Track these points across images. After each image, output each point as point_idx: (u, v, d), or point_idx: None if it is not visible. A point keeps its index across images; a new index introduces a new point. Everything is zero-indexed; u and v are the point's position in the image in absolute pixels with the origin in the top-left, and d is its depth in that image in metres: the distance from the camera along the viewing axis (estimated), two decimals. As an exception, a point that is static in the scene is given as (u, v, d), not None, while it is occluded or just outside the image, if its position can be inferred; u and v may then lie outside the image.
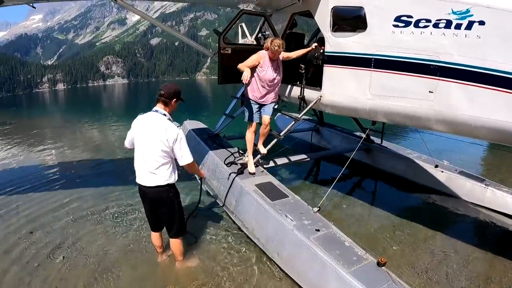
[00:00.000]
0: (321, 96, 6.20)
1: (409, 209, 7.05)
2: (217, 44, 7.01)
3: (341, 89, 5.92)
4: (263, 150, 6.60)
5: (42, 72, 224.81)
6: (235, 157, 7.13)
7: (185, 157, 4.36)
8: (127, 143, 4.63)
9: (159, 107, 4.37)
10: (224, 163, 6.92)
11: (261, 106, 6.34)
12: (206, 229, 5.97)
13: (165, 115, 4.33)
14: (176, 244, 4.88)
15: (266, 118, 6.37)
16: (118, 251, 5.43)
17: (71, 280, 4.78)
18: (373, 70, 5.31)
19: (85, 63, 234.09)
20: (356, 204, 7.09)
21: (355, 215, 6.65)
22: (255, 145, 6.73)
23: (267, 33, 7.74)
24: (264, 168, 6.84)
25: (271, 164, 7.27)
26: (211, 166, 7.30)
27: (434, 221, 6.39)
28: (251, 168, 6.47)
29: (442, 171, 7.63)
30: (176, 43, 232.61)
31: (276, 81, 6.15)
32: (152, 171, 4.33)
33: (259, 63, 5.95)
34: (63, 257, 5.29)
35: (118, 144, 12.77)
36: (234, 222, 6.13)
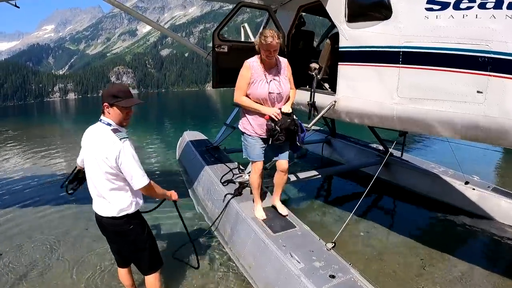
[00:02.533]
0: (335, 102, 5.11)
1: (437, 236, 5.84)
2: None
3: (360, 92, 4.79)
4: (283, 211, 4.91)
5: (53, 82, 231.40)
6: (233, 174, 6.26)
7: (136, 179, 3.19)
8: (78, 161, 3.73)
9: (103, 115, 3.29)
10: (220, 182, 6.02)
11: (266, 140, 4.59)
12: (194, 263, 4.89)
13: (109, 124, 3.23)
14: (151, 282, 3.79)
15: (282, 163, 4.72)
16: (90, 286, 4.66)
17: None
18: (401, 67, 4.17)
19: (96, 73, 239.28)
20: (375, 231, 5.89)
21: (375, 247, 5.43)
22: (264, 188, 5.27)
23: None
24: (267, 187, 5.78)
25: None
26: (206, 183, 6.45)
27: (468, 251, 5.31)
28: (258, 214, 4.87)
29: (474, 189, 6.43)
30: (186, 54, 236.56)
31: (277, 96, 4.40)
32: (102, 198, 3.32)
33: (249, 77, 4.36)
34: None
35: None
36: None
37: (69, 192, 3.90)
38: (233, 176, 6.16)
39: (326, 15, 5.56)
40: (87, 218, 6.58)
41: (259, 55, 4.38)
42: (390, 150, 6.21)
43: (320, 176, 6.77)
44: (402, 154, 7.84)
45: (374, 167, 7.35)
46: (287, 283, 3.73)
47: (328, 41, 5.55)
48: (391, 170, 7.78)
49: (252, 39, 6.91)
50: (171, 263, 4.82)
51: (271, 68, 4.45)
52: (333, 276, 3.57)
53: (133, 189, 3.31)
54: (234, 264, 4.84)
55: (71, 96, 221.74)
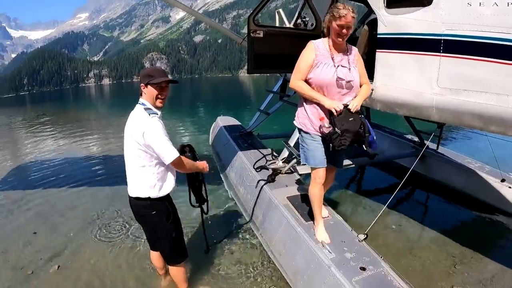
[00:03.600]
0: (372, 90, 4.90)
1: (470, 233, 5.59)
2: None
3: (398, 80, 4.59)
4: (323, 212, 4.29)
5: (88, 68, 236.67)
6: (267, 160, 6.17)
7: (166, 153, 3.21)
8: None
9: (140, 97, 3.44)
10: (253, 167, 5.96)
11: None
12: (226, 251, 4.92)
13: (143, 104, 3.36)
14: (172, 271, 3.89)
15: (331, 171, 4.22)
16: (119, 266, 4.79)
17: None
18: (442, 56, 3.96)
19: (130, 59, 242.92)
20: (407, 225, 5.72)
21: (407, 241, 5.29)
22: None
23: (307, 18, 6.69)
24: (300, 175, 5.72)
25: (308, 170, 5.97)
26: (239, 169, 6.40)
27: (501, 252, 5.06)
28: (320, 236, 4.03)
29: (510, 187, 6.15)
30: (219, 40, 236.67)
31: (346, 84, 3.66)
32: (132, 177, 3.44)
33: (313, 60, 3.67)
34: (58, 266, 4.80)
35: None
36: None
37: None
38: (266, 162, 6.10)
39: (363, 0, 5.41)
40: (119, 199, 6.74)
41: (327, 38, 3.77)
42: (427, 142, 6.01)
43: (353, 165, 6.65)
44: (437, 147, 7.57)
45: (408, 158, 7.17)
46: (316, 273, 3.68)
47: (365, 27, 5.38)
48: (426, 163, 7.54)
49: (287, 24, 6.80)
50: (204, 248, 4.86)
51: (340, 52, 3.76)
52: (363, 269, 3.50)
53: (160, 173, 3.39)
54: (264, 250, 4.83)
55: (106, 81, 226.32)
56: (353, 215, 6.06)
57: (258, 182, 5.53)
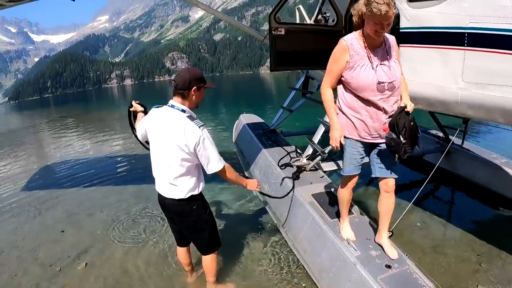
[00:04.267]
0: (395, 85, 4.89)
1: (496, 232, 5.39)
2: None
3: (421, 75, 4.50)
4: (392, 252, 3.66)
5: (110, 69, 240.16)
6: (291, 158, 6.16)
7: (213, 164, 3.34)
8: (138, 134, 3.78)
9: (176, 101, 3.35)
10: (278, 165, 5.95)
11: (370, 147, 3.59)
12: (251, 247, 4.95)
13: (184, 111, 3.32)
14: (207, 261, 3.96)
15: (389, 182, 3.68)
16: (145, 263, 4.88)
17: None
18: (466, 49, 3.86)
19: (151, 59, 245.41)
20: (431, 222, 5.62)
21: (431, 238, 5.18)
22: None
23: (328, 14, 6.65)
24: (324, 172, 5.73)
25: (332, 167, 6.06)
26: (263, 166, 6.40)
27: None
28: (346, 233, 3.99)
29: (536, 184, 5.94)
30: (239, 38, 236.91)
31: (388, 86, 3.21)
32: (171, 182, 3.43)
33: (347, 61, 3.25)
34: (86, 264, 4.93)
35: None
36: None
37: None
38: (290, 160, 6.08)
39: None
40: (145, 198, 6.91)
41: (360, 31, 3.25)
42: (453, 138, 5.91)
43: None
44: (463, 142, 7.37)
45: (432, 154, 7.07)
46: (342, 270, 3.67)
47: (387, 22, 5.34)
48: (451, 158, 7.34)
49: (308, 21, 6.77)
50: (230, 245, 4.86)
51: (377, 48, 3.26)
52: (389, 266, 3.48)
53: (200, 173, 3.52)
54: (288, 248, 4.83)
55: (128, 82, 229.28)
56: (376, 212, 5.98)
57: (283, 179, 5.52)
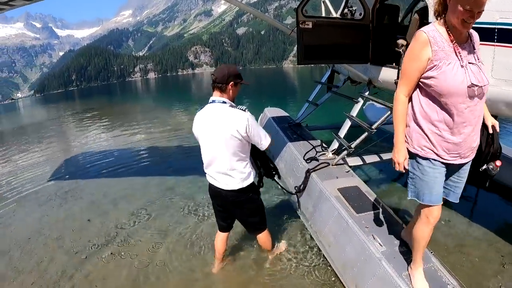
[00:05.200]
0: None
1: None
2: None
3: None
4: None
5: (134, 63, 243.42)
6: (316, 152, 6.13)
7: (265, 140, 3.72)
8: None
9: (215, 95, 3.66)
10: (303, 158, 5.93)
11: (447, 168, 2.89)
12: (275, 240, 4.84)
13: (225, 102, 3.61)
14: (262, 238, 4.33)
15: (436, 209, 3.06)
16: (170, 253, 4.93)
17: (113, 280, 4.46)
18: (496, 45, 3.80)
19: (175, 53, 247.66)
20: (456, 221, 5.46)
21: (455, 237, 5.04)
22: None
23: (354, 8, 6.61)
24: (350, 167, 5.70)
25: (358, 162, 6.02)
26: (289, 160, 6.38)
27: None
28: (419, 285, 3.19)
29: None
30: (262, 32, 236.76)
31: (478, 91, 2.56)
32: (226, 173, 3.68)
33: (428, 59, 2.56)
34: (111, 252, 5.00)
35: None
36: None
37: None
38: (316, 154, 6.05)
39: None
40: (170, 189, 7.02)
41: (440, 21, 2.60)
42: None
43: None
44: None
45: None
46: (366, 265, 3.64)
47: (416, 16, 5.26)
48: (474, 156, 7.19)
49: (334, 14, 6.71)
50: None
51: (463, 43, 2.61)
52: (414, 263, 3.44)
53: (249, 161, 3.80)
54: (313, 241, 4.82)
55: (151, 75, 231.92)
56: (400, 208, 5.90)
57: (308, 173, 5.51)
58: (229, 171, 3.64)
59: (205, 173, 3.86)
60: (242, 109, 3.54)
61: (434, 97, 2.62)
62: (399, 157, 2.82)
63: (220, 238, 4.32)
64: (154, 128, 14.96)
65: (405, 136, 2.86)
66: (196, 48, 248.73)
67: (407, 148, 2.86)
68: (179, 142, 11.74)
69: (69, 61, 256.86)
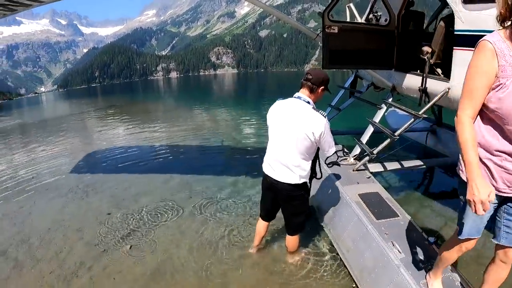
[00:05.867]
0: (448, 89, 4.82)
1: None
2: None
3: (477, 80, 4.32)
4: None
5: (156, 62, 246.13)
6: (338, 156, 6.11)
7: (332, 148, 3.83)
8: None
9: (303, 93, 3.76)
10: (325, 163, 5.87)
11: (502, 201, 2.58)
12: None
13: (309, 103, 3.70)
14: (293, 241, 4.41)
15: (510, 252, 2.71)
16: (189, 249, 4.95)
17: (130, 274, 4.50)
18: None
19: (197, 53, 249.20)
20: None
21: (473, 249, 4.86)
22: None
23: (380, 13, 6.54)
24: (371, 173, 5.69)
25: (379, 168, 5.99)
26: (310, 164, 6.29)
27: None
28: None
29: None
30: (285, 35, 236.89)
31: None
32: (288, 166, 3.77)
33: (496, 77, 2.11)
34: (130, 246, 5.07)
35: (225, 131, 13.71)
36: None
37: None
38: (337, 159, 6.04)
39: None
40: (190, 187, 7.10)
41: (507, 30, 2.09)
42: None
43: (423, 166, 6.48)
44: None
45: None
46: (384, 272, 3.63)
47: (441, 23, 5.22)
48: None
49: (359, 19, 6.68)
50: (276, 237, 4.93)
51: None
52: (432, 272, 3.42)
53: (310, 160, 3.86)
54: (331, 245, 4.77)
55: (173, 75, 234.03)
56: (419, 217, 5.84)
57: (330, 178, 5.51)
58: (291, 166, 3.73)
59: (265, 162, 3.98)
60: (322, 114, 3.62)
61: (496, 123, 2.23)
62: (482, 194, 2.11)
63: (262, 224, 4.49)
64: (175, 127, 15.07)
65: (459, 162, 2.48)
66: (218, 49, 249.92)
67: (460, 176, 2.46)
68: (199, 141, 11.82)
69: (93, 58, 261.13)
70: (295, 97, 3.75)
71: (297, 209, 4.06)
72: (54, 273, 4.61)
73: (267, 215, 4.40)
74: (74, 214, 6.34)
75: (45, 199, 7.17)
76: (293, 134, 3.63)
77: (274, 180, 3.86)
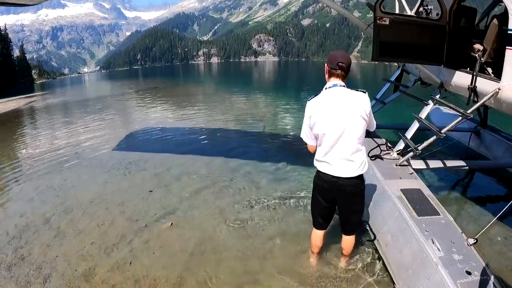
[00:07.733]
0: (499, 89, 4.65)
1: None
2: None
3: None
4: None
5: (198, 46, 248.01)
6: (381, 150, 6.06)
7: (374, 122, 3.82)
8: (308, 140, 3.86)
9: (337, 80, 3.66)
10: (368, 155, 5.75)
11: None
12: (332, 236, 4.78)
13: (344, 86, 3.64)
14: (350, 241, 4.22)
15: None
16: (229, 231, 5.11)
17: (170, 250, 4.67)
18: None
19: (238, 40, 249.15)
20: None
21: (509, 257, 4.74)
22: None
23: (430, 7, 6.38)
24: (414, 169, 5.61)
25: (422, 165, 5.93)
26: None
27: None
28: None
29: None
30: (327, 25, 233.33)
31: None
32: (348, 158, 3.62)
33: None
34: (171, 223, 5.25)
35: (262, 117, 13.79)
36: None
37: None
38: (380, 152, 6.00)
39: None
40: (231, 170, 7.29)
41: None
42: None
43: (465, 167, 6.38)
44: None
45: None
46: (422, 269, 3.63)
47: (495, 21, 5.08)
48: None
49: (408, 12, 6.57)
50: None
51: None
52: (469, 273, 3.40)
53: (364, 147, 3.73)
54: (370, 239, 4.79)
55: (214, 60, 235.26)
56: (458, 218, 5.76)
57: (372, 171, 5.49)
58: (351, 156, 3.58)
59: (320, 162, 3.77)
60: (363, 91, 3.62)
61: None
62: None
63: (318, 235, 4.26)
64: (217, 111, 15.32)
65: None
66: (260, 36, 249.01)
67: None
68: (241, 126, 11.99)
69: (135, 41, 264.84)
70: (331, 86, 3.62)
71: (357, 207, 3.92)
72: (95, 244, 4.84)
73: (325, 221, 4.16)
74: (117, 190, 6.59)
75: (88, 174, 7.48)
76: (348, 119, 3.50)
77: (336, 177, 3.67)
